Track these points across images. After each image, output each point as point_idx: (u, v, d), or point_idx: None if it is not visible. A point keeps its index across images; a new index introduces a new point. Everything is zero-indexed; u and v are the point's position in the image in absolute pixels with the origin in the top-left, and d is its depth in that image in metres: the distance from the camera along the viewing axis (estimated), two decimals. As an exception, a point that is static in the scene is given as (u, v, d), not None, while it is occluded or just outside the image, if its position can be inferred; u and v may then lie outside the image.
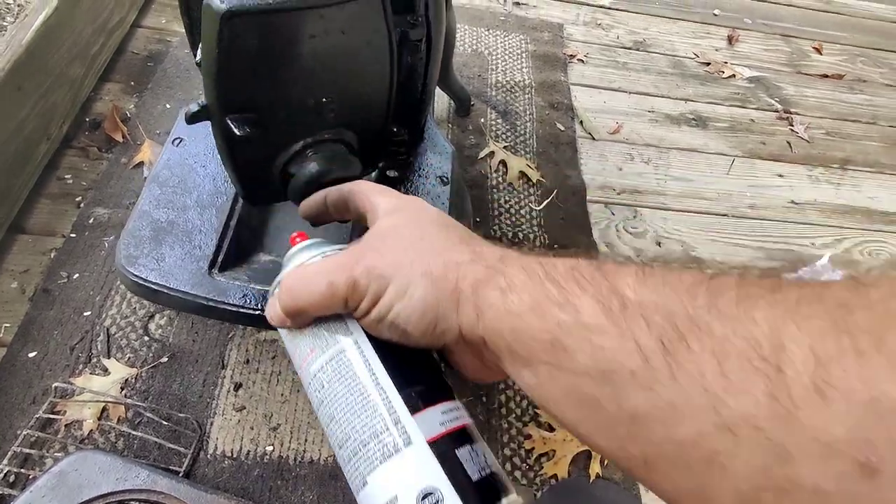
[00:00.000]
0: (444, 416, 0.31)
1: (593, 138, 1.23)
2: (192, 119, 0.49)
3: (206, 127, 0.69)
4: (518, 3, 1.51)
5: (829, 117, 1.42)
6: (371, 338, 0.33)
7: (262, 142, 0.49)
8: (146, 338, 0.80)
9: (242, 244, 0.62)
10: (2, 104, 0.77)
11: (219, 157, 0.66)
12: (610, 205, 1.12)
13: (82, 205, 0.91)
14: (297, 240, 0.40)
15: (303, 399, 0.78)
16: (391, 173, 0.70)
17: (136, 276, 0.55)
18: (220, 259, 0.59)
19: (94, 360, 0.77)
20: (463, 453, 0.29)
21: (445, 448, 0.29)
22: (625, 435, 0.24)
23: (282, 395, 0.78)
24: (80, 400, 0.73)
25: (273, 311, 0.35)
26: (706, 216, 1.15)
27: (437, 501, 0.27)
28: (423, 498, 0.27)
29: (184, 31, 1.19)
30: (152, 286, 0.56)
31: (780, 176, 1.26)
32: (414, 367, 0.33)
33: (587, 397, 0.25)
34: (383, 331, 0.32)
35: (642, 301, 0.24)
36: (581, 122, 1.25)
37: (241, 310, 0.56)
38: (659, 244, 1.08)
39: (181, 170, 0.64)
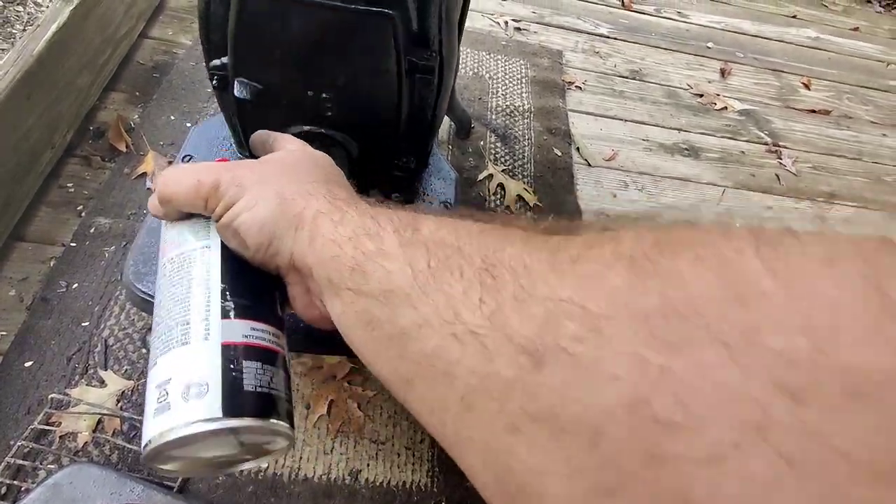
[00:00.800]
0: (251, 332, 0.33)
1: (589, 165, 1.26)
2: (213, 71, 0.54)
3: (216, 145, 0.70)
4: (519, 29, 1.54)
5: (815, 152, 1.46)
6: (225, 249, 0.36)
7: (264, 111, 0.54)
8: (144, 350, 0.80)
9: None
10: (9, 113, 0.78)
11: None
12: (604, 231, 1.14)
13: (83, 214, 0.91)
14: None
15: (299, 417, 0.79)
16: (395, 196, 0.71)
17: (144, 292, 0.56)
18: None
19: (91, 371, 0.77)
20: (250, 366, 0.31)
21: (234, 354, 0.31)
22: (395, 356, 0.26)
23: (278, 411, 0.79)
24: (75, 412, 0.73)
25: (151, 201, 0.39)
26: (697, 245, 1.18)
27: (201, 394, 0.29)
28: (191, 387, 0.30)
29: (190, 43, 1.20)
30: (159, 303, 0.57)
31: (769, 208, 1.30)
32: (248, 286, 0.35)
33: (373, 318, 0.27)
34: (228, 237, 0.35)
35: (431, 236, 0.28)
36: (578, 149, 1.27)
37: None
38: (651, 271, 1.11)
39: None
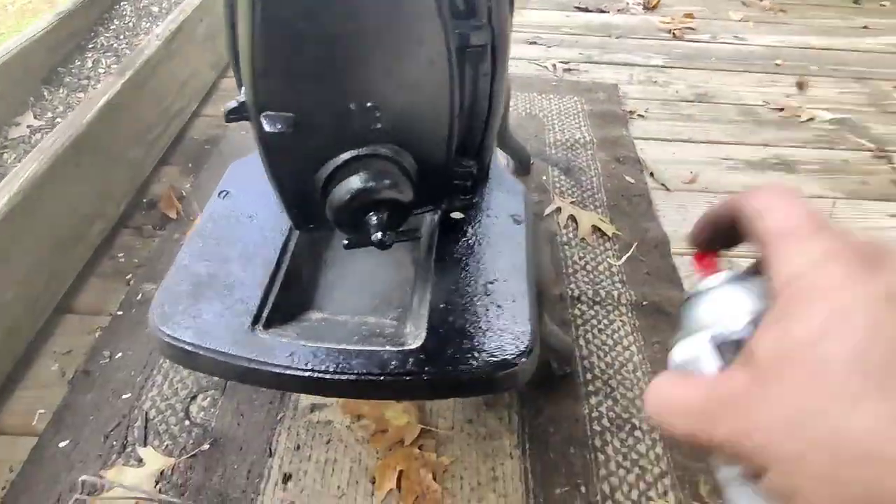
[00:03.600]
0: None
1: (668, 189, 1.12)
2: (230, 115, 0.44)
3: (255, 177, 0.63)
4: (568, 70, 1.49)
5: (933, 152, 1.26)
6: None
7: (299, 147, 0.43)
8: (187, 422, 0.71)
9: (291, 300, 0.54)
10: (58, 180, 0.76)
11: (267, 207, 0.61)
12: (699, 256, 0.99)
13: (131, 282, 0.86)
14: (702, 269, 0.25)
15: (363, 493, 0.65)
16: (456, 215, 0.61)
17: (169, 335, 0.47)
18: (264, 314, 0.51)
19: (129, 448, 0.68)
20: None
21: None
22: None
23: (338, 487, 0.66)
24: (109, 497, 0.63)
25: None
26: (815, 264, 0.99)
27: None
28: None
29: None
30: (187, 347, 0.48)
31: (894, 216, 1.10)
32: None
33: None
34: None
35: None
36: (652, 174, 1.15)
37: (288, 371, 0.46)
38: (765, 297, 0.93)
39: (226, 222, 0.58)
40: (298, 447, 0.69)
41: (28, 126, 0.93)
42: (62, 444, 0.68)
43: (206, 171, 1.07)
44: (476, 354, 0.48)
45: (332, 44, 0.41)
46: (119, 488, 0.63)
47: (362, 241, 0.48)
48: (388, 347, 0.49)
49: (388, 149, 0.49)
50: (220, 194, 0.62)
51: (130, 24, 1.18)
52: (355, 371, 0.47)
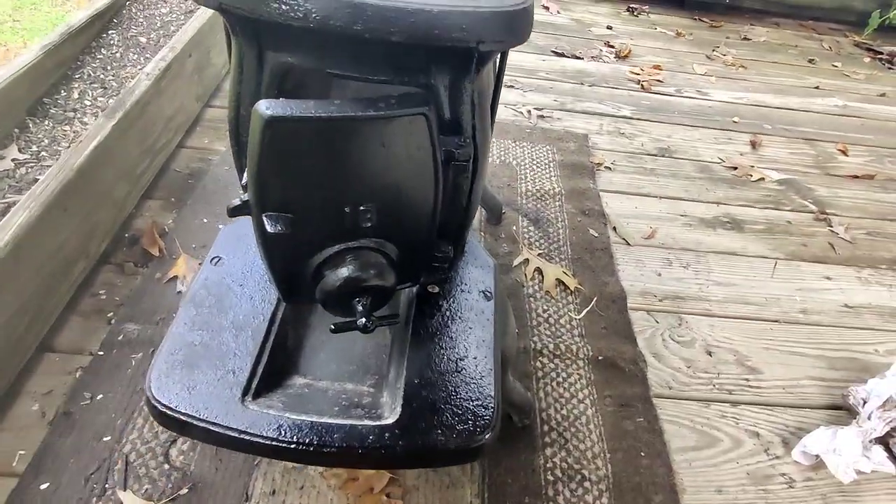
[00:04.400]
0: None
1: (628, 244, 1.21)
2: (234, 212, 0.49)
3: (245, 245, 0.68)
4: (542, 116, 1.57)
5: (868, 217, 1.39)
6: None
7: (295, 241, 0.48)
8: (166, 465, 0.74)
9: (277, 367, 0.58)
10: (46, 225, 0.79)
11: (256, 275, 0.65)
12: (652, 312, 1.07)
13: (113, 321, 0.89)
14: None
15: (332, 539, 0.70)
16: (432, 289, 0.67)
17: (165, 405, 0.51)
18: (253, 385, 0.55)
19: (109, 492, 0.71)
20: None
21: None
22: None
23: (309, 534, 0.70)
24: (88, 542, 0.66)
25: None
26: (756, 322, 1.09)
27: None
28: None
29: (224, 149, 1.25)
30: (181, 417, 0.52)
31: (828, 278, 1.21)
32: None
33: None
34: None
35: None
36: (615, 228, 1.23)
37: (275, 443, 0.51)
38: (710, 353, 1.02)
39: (218, 289, 0.62)
40: (274, 492, 0.73)
41: (13, 160, 0.94)
42: (43, 487, 0.70)
43: (189, 207, 1.10)
44: (446, 430, 0.54)
45: (333, 161, 0.46)
46: (99, 533, 0.66)
47: (347, 325, 0.53)
48: (365, 422, 0.54)
49: (375, 242, 0.54)
50: (212, 260, 0.66)
51: (118, 54, 1.19)
52: (336, 444, 0.52)
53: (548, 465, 0.81)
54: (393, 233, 0.54)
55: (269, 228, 0.48)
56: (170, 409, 0.52)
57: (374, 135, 0.44)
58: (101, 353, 0.85)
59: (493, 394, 0.57)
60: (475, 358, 0.60)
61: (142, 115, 0.98)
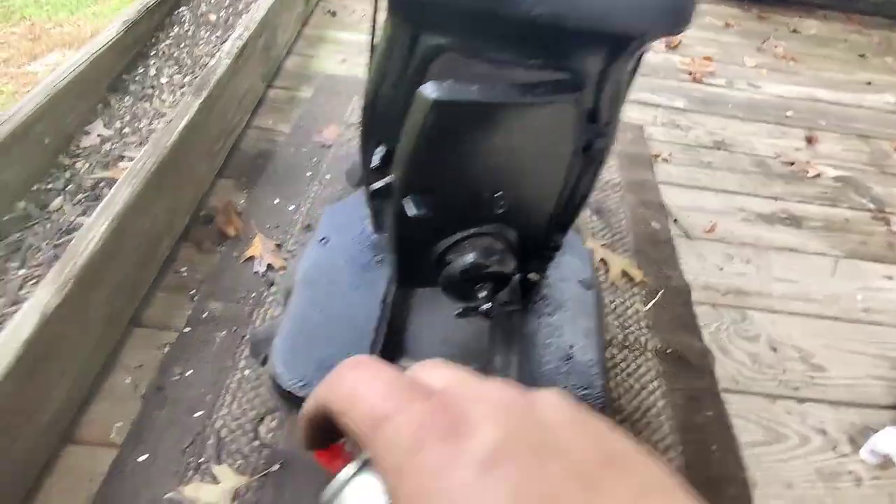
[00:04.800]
0: None
1: (689, 237, 1.20)
2: (374, 195, 0.50)
3: (350, 225, 0.69)
4: (596, 106, 1.55)
5: (927, 217, 1.37)
6: None
7: (429, 225, 0.49)
8: (256, 442, 0.76)
9: (391, 348, 0.60)
10: (143, 202, 0.80)
11: (365, 256, 0.66)
12: (717, 306, 1.07)
13: (195, 298, 0.91)
14: (330, 464, 0.25)
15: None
16: (533, 277, 0.68)
17: (293, 385, 0.53)
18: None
19: (204, 466, 0.73)
20: None
21: None
22: None
23: (399, 512, 0.72)
24: (191, 512, 0.68)
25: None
26: (817, 320, 1.09)
27: None
28: None
29: (287, 131, 1.25)
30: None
31: (889, 278, 1.20)
32: None
33: None
34: None
35: None
36: (675, 220, 1.23)
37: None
38: (774, 349, 1.02)
39: (329, 270, 0.64)
40: (362, 472, 0.75)
41: (98, 135, 0.96)
42: (140, 459, 0.73)
43: (260, 188, 1.11)
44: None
45: (485, 146, 0.47)
46: (202, 504, 0.68)
47: (470, 311, 0.54)
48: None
49: (499, 227, 0.55)
50: (320, 241, 0.67)
51: (189, 31, 1.20)
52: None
53: (623, 455, 0.82)
54: (516, 219, 0.54)
55: (411, 211, 0.48)
56: (299, 388, 0.53)
57: (526, 120, 0.45)
58: (188, 330, 0.87)
59: (602, 384, 0.58)
60: (582, 347, 0.61)
61: (222, 95, 0.99)
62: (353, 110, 1.34)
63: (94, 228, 0.71)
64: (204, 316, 0.88)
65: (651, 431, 0.85)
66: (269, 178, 1.13)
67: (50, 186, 0.90)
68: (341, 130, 1.28)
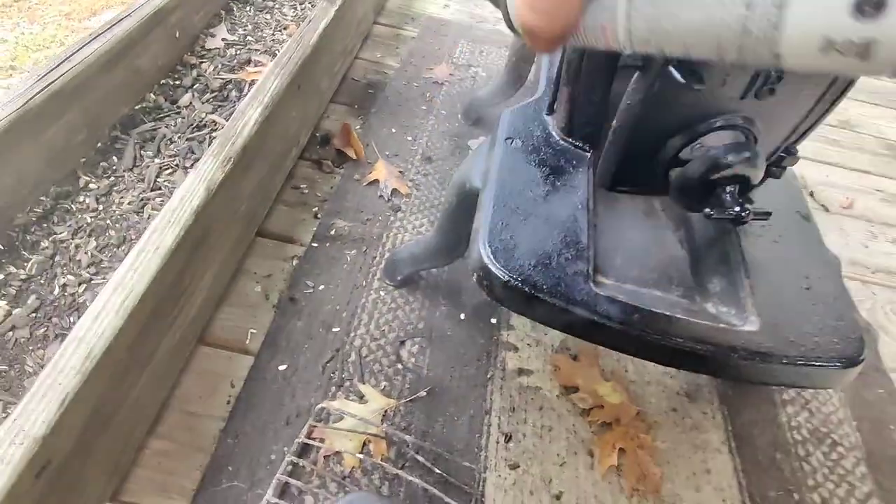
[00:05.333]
0: None
1: (827, 210, 1.11)
2: (623, 71, 0.43)
3: (531, 127, 0.62)
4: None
5: None
6: None
7: (670, 109, 0.43)
8: (399, 365, 0.69)
9: (596, 258, 0.52)
10: (286, 97, 0.73)
11: (556, 159, 0.58)
12: (868, 283, 0.98)
13: (320, 215, 0.84)
14: None
15: (583, 464, 0.64)
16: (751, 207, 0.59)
17: (510, 277, 0.45)
18: (592, 269, 0.49)
19: (347, 383, 0.66)
20: None
21: None
22: None
23: (558, 455, 0.64)
24: (339, 428, 0.61)
25: None
26: (973, 308, 0.99)
27: None
28: None
29: (396, 66, 1.18)
30: (528, 290, 0.46)
31: None
32: None
33: None
34: None
35: None
36: (811, 193, 1.13)
37: (632, 330, 0.45)
38: (934, 334, 0.92)
39: (523, 169, 0.56)
40: (514, 409, 0.68)
41: (223, 39, 0.89)
42: (281, 368, 0.66)
43: (375, 115, 1.04)
44: (816, 349, 0.47)
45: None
46: (352, 419, 0.62)
47: (722, 215, 0.47)
48: (727, 325, 0.47)
49: (748, 122, 0.48)
50: (506, 140, 0.59)
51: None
52: (708, 345, 0.45)
53: (792, 424, 0.73)
54: (769, 114, 0.47)
55: (681, 79, 0.41)
56: (515, 280, 0.46)
57: None
58: (315, 245, 0.80)
59: (854, 316, 0.50)
60: (821, 277, 0.52)
61: (344, 16, 0.92)
62: (462, 52, 1.27)
63: (247, 112, 0.64)
64: (331, 233, 0.81)
65: (820, 402, 0.76)
66: (382, 107, 1.06)
67: (178, 83, 0.84)
68: (451, 70, 1.21)
